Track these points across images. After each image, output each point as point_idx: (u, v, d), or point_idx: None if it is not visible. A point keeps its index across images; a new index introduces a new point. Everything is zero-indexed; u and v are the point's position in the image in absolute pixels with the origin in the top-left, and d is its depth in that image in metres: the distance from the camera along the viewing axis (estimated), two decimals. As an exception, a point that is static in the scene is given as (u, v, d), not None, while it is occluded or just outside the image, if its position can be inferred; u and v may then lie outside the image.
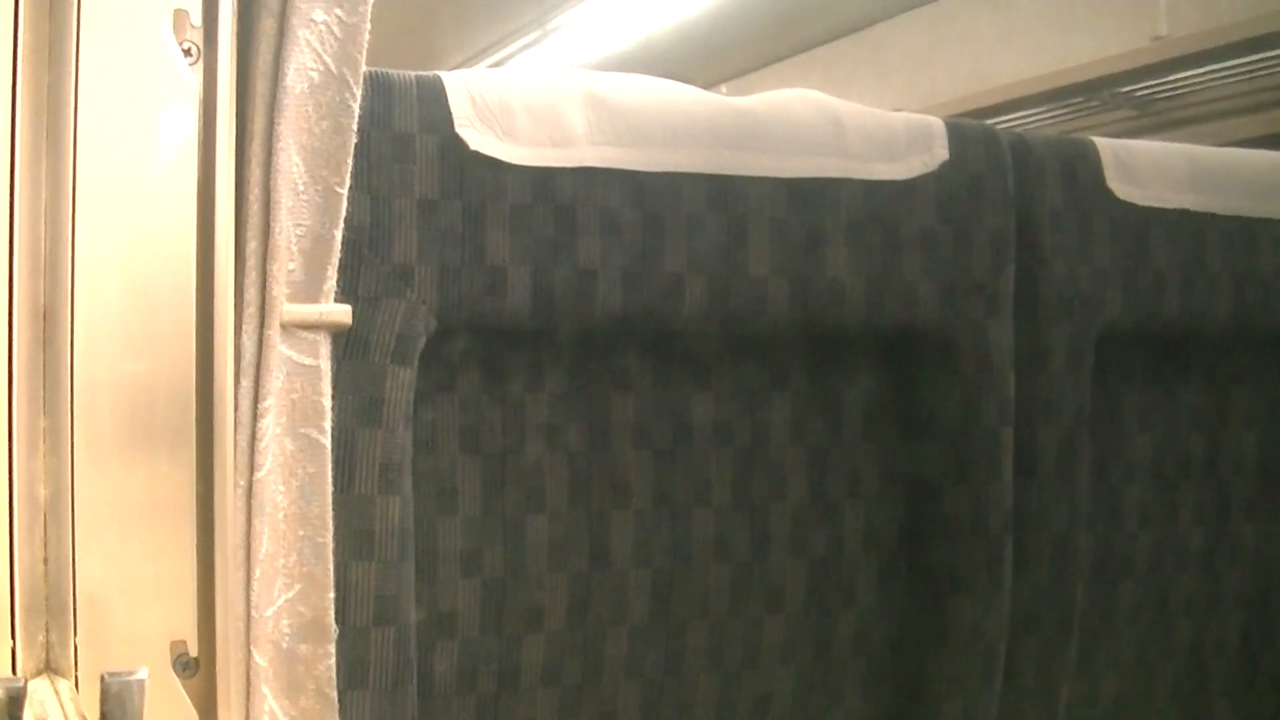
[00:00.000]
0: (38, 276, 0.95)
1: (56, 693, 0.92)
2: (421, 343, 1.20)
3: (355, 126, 0.99)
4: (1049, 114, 4.50)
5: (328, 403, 1.01)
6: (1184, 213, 1.53)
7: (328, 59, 0.97)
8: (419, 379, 1.21)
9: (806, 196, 1.34)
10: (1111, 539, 1.55)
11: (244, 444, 1.00)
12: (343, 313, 1.02)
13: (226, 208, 0.97)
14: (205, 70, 0.97)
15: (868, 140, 1.38)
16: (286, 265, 0.98)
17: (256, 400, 1.00)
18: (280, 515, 1.00)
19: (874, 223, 1.37)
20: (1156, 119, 4.18)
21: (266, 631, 1.00)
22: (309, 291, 0.99)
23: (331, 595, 1.02)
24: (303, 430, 1.00)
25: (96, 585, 0.95)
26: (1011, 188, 1.43)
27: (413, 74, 1.22)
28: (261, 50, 0.97)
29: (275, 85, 0.98)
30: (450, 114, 1.22)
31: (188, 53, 0.96)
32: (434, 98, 1.21)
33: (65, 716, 0.89)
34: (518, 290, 1.24)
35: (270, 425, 0.99)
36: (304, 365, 1.00)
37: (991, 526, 1.43)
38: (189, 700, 0.96)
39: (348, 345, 1.15)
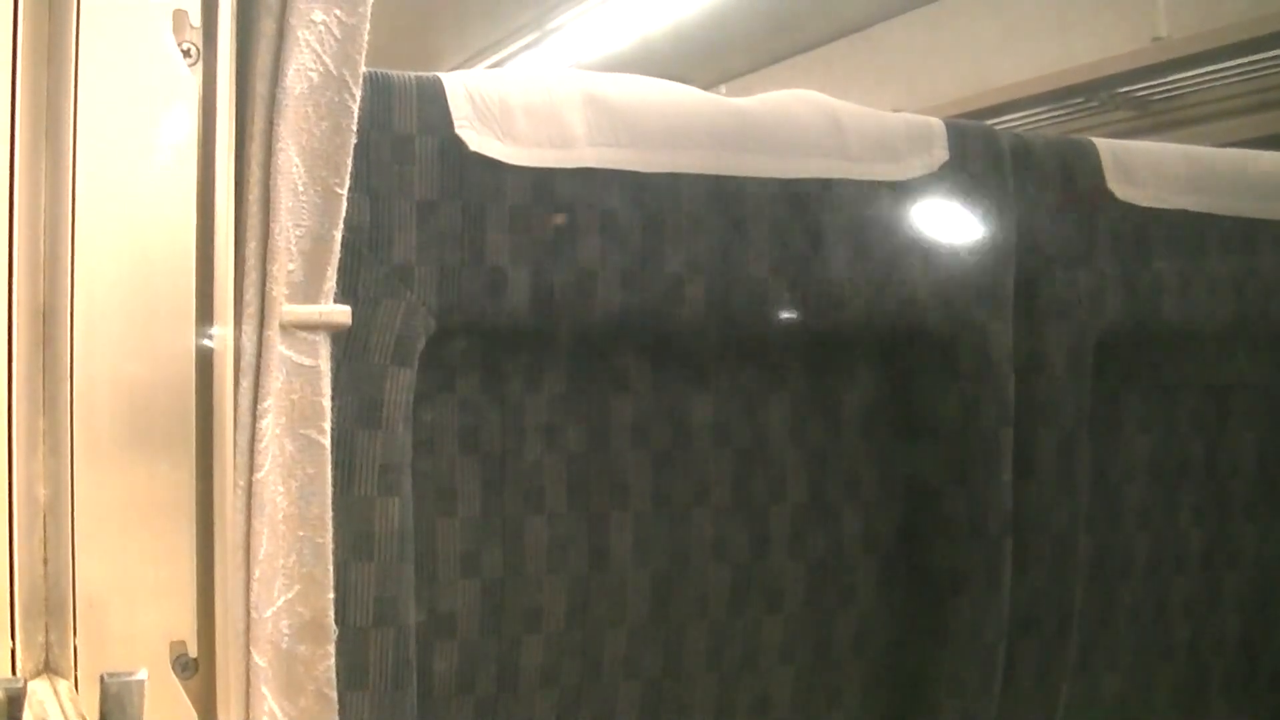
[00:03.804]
0: (37, 277, 0.95)
1: (56, 693, 0.92)
2: (421, 343, 1.20)
3: (355, 127, 0.99)
4: (1049, 115, 4.49)
5: (327, 403, 1.01)
6: (1184, 213, 1.53)
7: (327, 60, 0.97)
8: (418, 380, 1.21)
9: (806, 197, 1.34)
10: (1110, 540, 1.55)
11: (243, 444, 1.00)
12: (342, 313, 1.02)
13: (226, 208, 0.97)
14: (205, 71, 0.97)
15: (867, 141, 1.38)
16: (286, 266, 0.98)
17: (256, 401, 1.00)
18: (280, 516, 1.00)
19: (873, 224, 1.37)
20: (1156, 120, 4.17)
21: (266, 632, 1.00)
22: (308, 292, 0.99)
23: (331, 596, 1.02)
24: (302, 431, 1.00)
25: (96, 586, 0.95)
26: (1011, 188, 1.43)
27: (412, 75, 1.22)
28: (261, 51, 0.97)
29: (275, 86, 0.97)
30: (450, 115, 1.22)
31: (187, 53, 0.96)
32: (433, 98, 1.21)
33: (65, 717, 0.89)
34: (517, 291, 1.24)
35: (270, 426, 0.99)
36: (304, 366, 1.00)
37: (991, 527, 1.43)
38: (188, 701, 0.96)
39: (347, 346, 1.15)
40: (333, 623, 1.03)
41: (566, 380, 1.33)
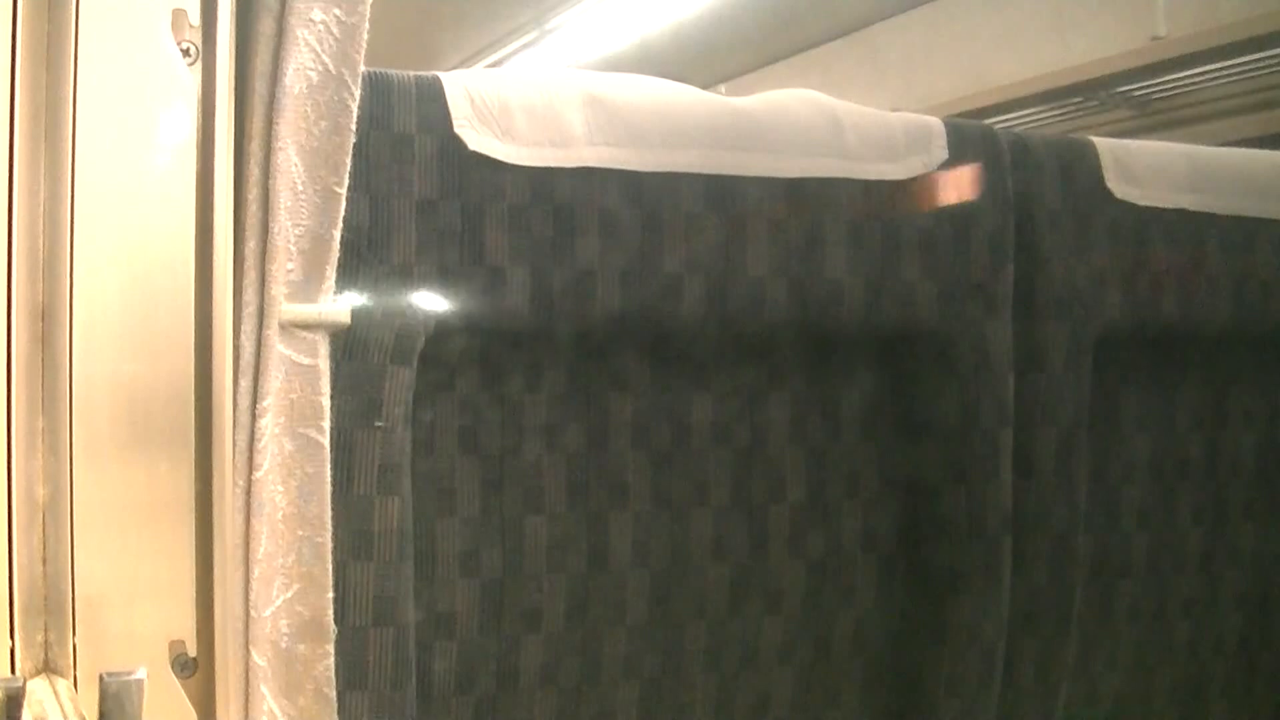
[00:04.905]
0: (36, 276, 0.95)
1: (55, 692, 0.92)
2: (420, 343, 1.20)
3: (354, 126, 0.99)
4: (1047, 114, 4.50)
5: (326, 403, 1.01)
6: (1183, 213, 1.53)
7: (326, 59, 0.97)
8: (417, 379, 1.20)
9: (805, 197, 1.34)
10: (1110, 539, 1.55)
11: (243, 444, 1.00)
12: (341, 313, 1.02)
13: (225, 208, 0.97)
14: (204, 70, 0.97)
15: (866, 140, 1.38)
16: (285, 265, 0.98)
17: (255, 400, 1.00)
18: (279, 515, 1.00)
19: (872, 223, 1.37)
20: (1155, 119, 4.18)
21: (265, 631, 1.00)
22: (308, 291, 0.99)
23: (330, 595, 1.02)
24: (301, 430, 1.00)
25: (95, 585, 0.95)
26: (1010, 188, 1.43)
27: (411, 74, 1.22)
28: (260, 50, 0.97)
29: (274, 85, 0.97)
30: (449, 114, 1.21)
31: (186, 53, 0.96)
32: (433, 98, 1.21)
33: (64, 716, 0.89)
34: (516, 290, 1.24)
35: (269, 425, 0.99)
36: (303, 365, 1.00)
37: (990, 527, 1.43)
38: (187, 700, 0.96)
39: (346, 345, 1.15)
40: (332, 622, 1.03)
41: (566, 380, 1.33)
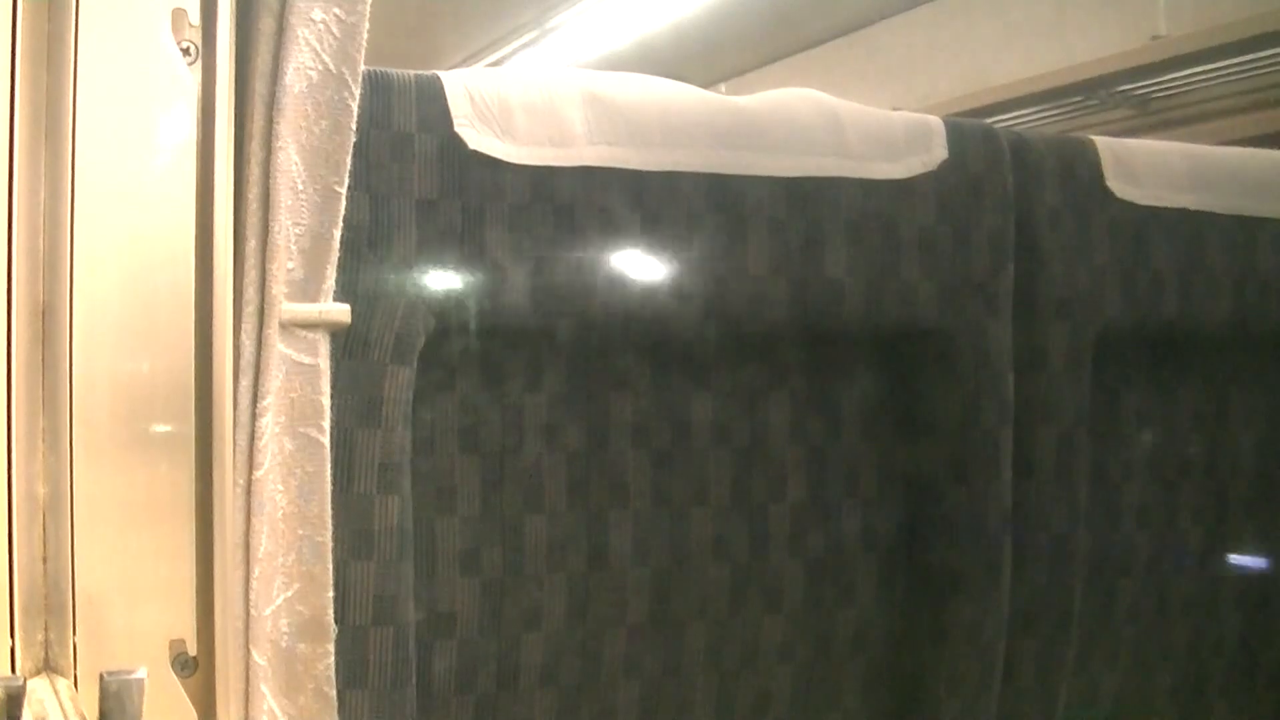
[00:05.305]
0: (37, 275, 0.95)
1: (55, 692, 0.92)
2: (420, 342, 1.20)
3: (354, 126, 0.99)
4: (1048, 113, 4.49)
5: (327, 402, 1.01)
6: (1183, 212, 1.53)
7: (326, 58, 0.97)
8: (418, 378, 1.21)
9: (805, 196, 1.34)
10: (1110, 539, 1.55)
11: (243, 443, 1.00)
12: (341, 312, 1.02)
13: (225, 207, 0.97)
14: (204, 69, 0.97)
15: (867, 140, 1.38)
16: (285, 264, 0.98)
17: (255, 399, 1.00)
18: (279, 514, 1.00)
19: (873, 222, 1.37)
20: (1155, 118, 4.17)
21: (265, 631, 1.00)
22: (308, 290, 0.99)
23: (330, 594, 1.02)
24: (302, 429, 1.00)
25: (95, 584, 0.95)
26: (1011, 187, 1.43)
27: (411, 73, 1.22)
28: (260, 49, 0.97)
29: (274, 84, 0.97)
30: (449, 113, 1.21)
31: (186, 52, 0.96)
32: (433, 97, 1.21)
33: (64, 715, 0.89)
34: (517, 290, 1.24)
35: (269, 424, 0.99)
36: (303, 364, 1.00)
37: (990, 526, 1.43)
38: (188, 699, 0.96)
39: (347, 344, 1.16)
40: (332, 621, 1.03)
41: (566, 379, 1.33)
